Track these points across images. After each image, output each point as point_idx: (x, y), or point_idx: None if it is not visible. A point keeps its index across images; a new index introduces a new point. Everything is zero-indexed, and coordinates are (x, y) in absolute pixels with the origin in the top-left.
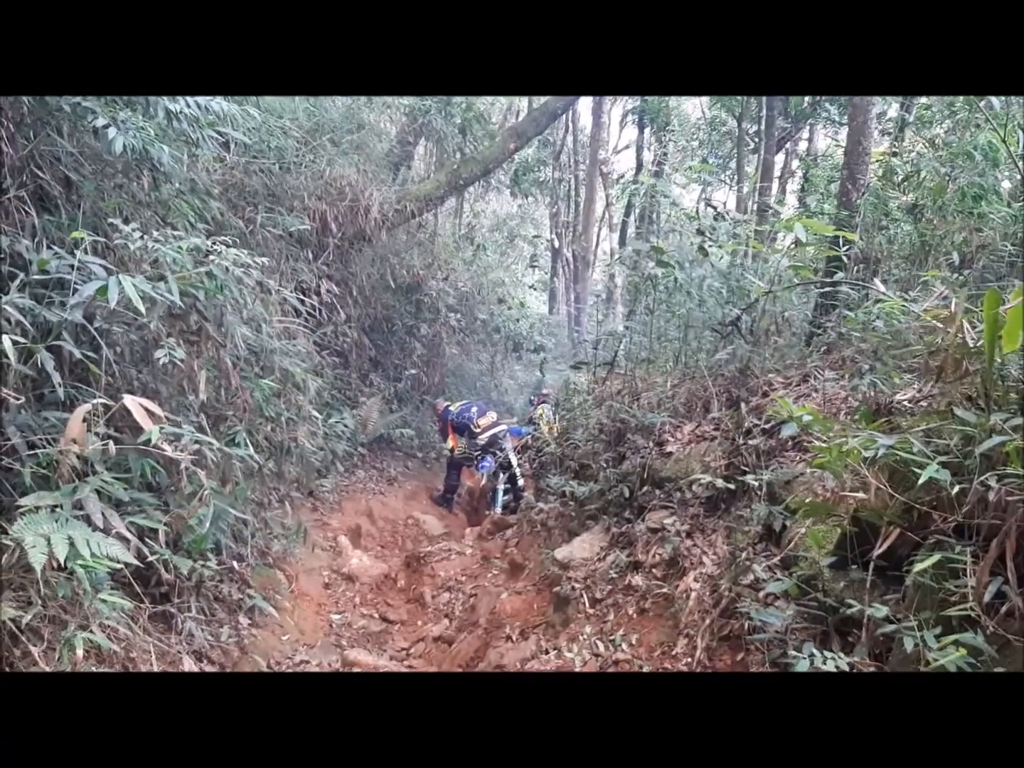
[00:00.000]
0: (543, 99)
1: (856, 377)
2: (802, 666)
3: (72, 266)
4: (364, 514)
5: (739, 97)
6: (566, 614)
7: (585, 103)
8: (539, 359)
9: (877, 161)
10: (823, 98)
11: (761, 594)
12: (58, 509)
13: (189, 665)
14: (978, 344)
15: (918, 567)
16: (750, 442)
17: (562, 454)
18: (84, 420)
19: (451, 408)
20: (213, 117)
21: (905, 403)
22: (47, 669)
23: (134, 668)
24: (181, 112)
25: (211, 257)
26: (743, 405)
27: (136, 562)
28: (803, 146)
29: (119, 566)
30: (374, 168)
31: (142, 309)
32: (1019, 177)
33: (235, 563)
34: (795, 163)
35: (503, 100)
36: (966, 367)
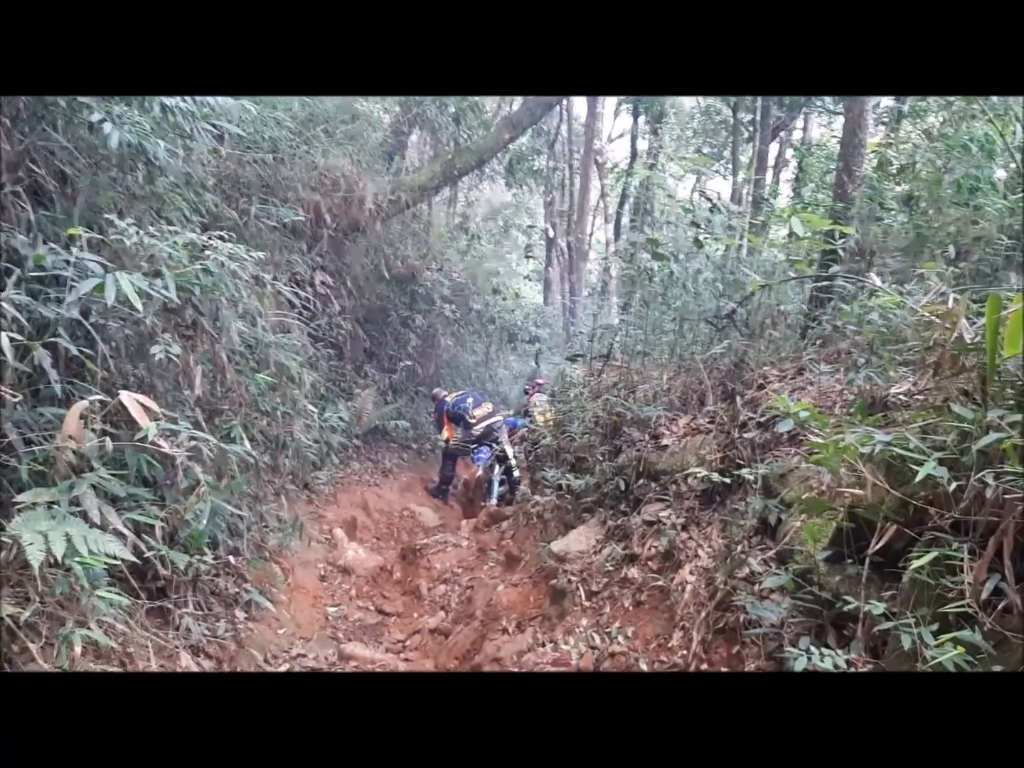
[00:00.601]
0: None
1: (851, 370)
2: (799, 663)
3: (68, 262)
4: (360, 506)
5: None
6: (562, 607)
7: None
8: (534, 350)
9: (873, 152)
10: None
11: (757, 588)
12: (55, 505)
13: (186, 660)
14: (975, 340)
15: (915, 563)
16: (745, 435)
17: (558, 447)
18: (81, 416)
19: (447, 398)
20: (208, 110)
21: (901, 397)
22: (45, 666)
23: (132, 664)
24: (176, 106)
25: (207, 252)
26: (738, 398)
27: (133, 558)
28: (797, 135)
29: (116, 562)
30: (368, 158)
31: (139, 306)
32: (1015, 168)
33: (231, 557)
34: (790, 152)
35: None
36: (963, 363)
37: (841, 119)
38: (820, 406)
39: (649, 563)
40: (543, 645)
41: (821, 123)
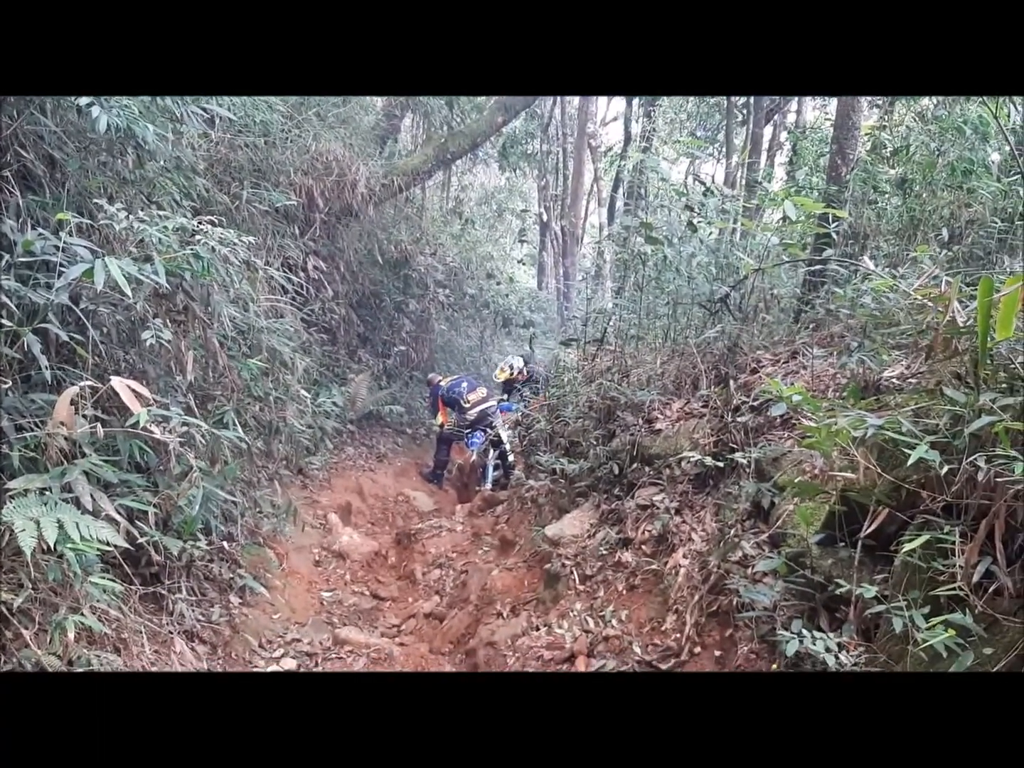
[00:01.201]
0: None
1: (844, 354)
2: (791, 646)
3: (57, 247)
4: (354, 491)
5: None
6: (556, 590)
7: None
8: (528, 334)
9: (867, 135)
10: None
11: (750, 571)
12: (47, 492)
13: (181, 645)
14: (968, 323)
15: (907, 546)
16: (738, 419)
17: (552, 431)
18: (72, 402)
19: (441, 383)
20: None
21: (893, 380)
22: (39, 652)
23: (125, 650)
24: None
25: (197, 237)
26: (732, 382)
27: (126, 544)
28: (792, 118)
29: (109, 548)
30: (360, 142)
31: (128, 291)
32: (1008, 151)
33: (225, 543)
34: (784, 135)
35: None
36: (955, 346)
37: (835, 102)
38: (813, 390)
39: (643, 547)
40: (537, 629)
41: (815, 105)
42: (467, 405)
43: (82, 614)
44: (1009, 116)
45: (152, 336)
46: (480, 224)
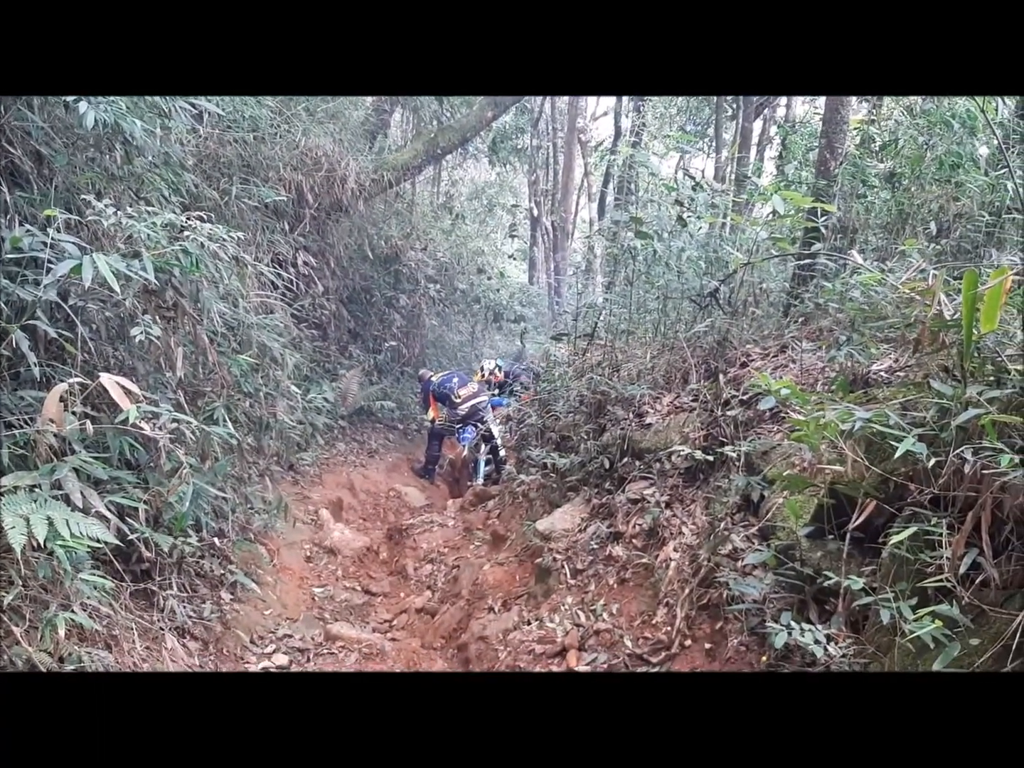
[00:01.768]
0: None
1: (833, 348)
2: (780, 638)
3: (45, 244)
4: (345, 487)
5: None
6: (548, 585)
7: None
8: (519, 329)
9: (855, 129)
10: None
11: (739, 564)
12: (37, 489)
13: (172, 641)
14: (954, 316)
15: (894, 539)
16: (728, 413)
17: (543, 426)
18: (61, 399)
19: (432, 379)
20: None
21: (882, 373)
22: (30, 649)
23: (116, 646)
24: None
25: (186, 233)
26: (721, 376)
27: (116, 541)
28: (781, 112)
29: (99, 545)
30: (350, 137)
31: (116, 288)
32: (996, 144)
33: (216, 539)
34: (773, 129)
35: None
36: (943, 339)
37: (824, 97)
38: (802, 383)
39: (633, 541)
40: (528, 623)
41: (805, 100)
42: (458, 400)
43: (73, 611)
44: (997, 110)
45: (141, 332)
46: (471, 219)
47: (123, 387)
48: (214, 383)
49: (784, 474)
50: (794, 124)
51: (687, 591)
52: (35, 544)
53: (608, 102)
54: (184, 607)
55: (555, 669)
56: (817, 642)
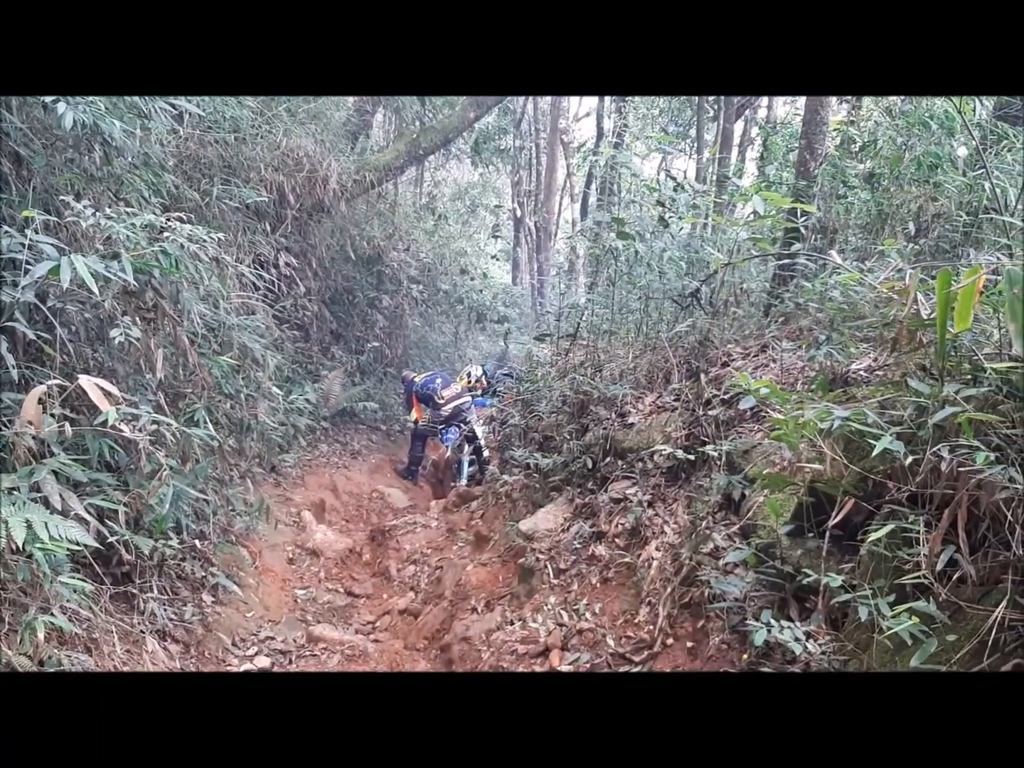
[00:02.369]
0: None
1: (813, 347)
2: (759, 636)
3: (23, 245)
4: (328, 488)
5: None
6: (531, 585)
7: None
8: (503, 329)
9: (835, 130)
10: None
11: (721, 562)
12: (15, 492)
13: (153, 644)
14: (931, 316)
15: (872, 536)
16: (710, 412)
17: (526, 426)
18: (39, 401)
19: (415, 379)
20: None
21: (861, 373)
22: (9, 652)
23: (97, 650)
24: None
25: (166, 234)
26: (703, 376)
27: (96, 544)
28: (762, 113)
29: (79, 548)
30: (332, 138)
31: (95, 289)
32: (974, 145)
33: (197, 541)
34: (754, 131)
35: None
36: (920, 338)
37: (804, 97)
38: (783, 383)
39: (616, 540)
40: (512, 623)
41: (786, 101)
42: (441, 401)
43: (52, 614)
44: (974, 111)
45: (121, 334)
46: (453, 220)
47: (102, 389)
48: (195, 384)
49: (764, 473)
50: (775, 125)
51: (669, 590)
52: (14, 547)
53: (590, 103)
54: (165, 610)
55: (538, 669)
56: (797, 640)
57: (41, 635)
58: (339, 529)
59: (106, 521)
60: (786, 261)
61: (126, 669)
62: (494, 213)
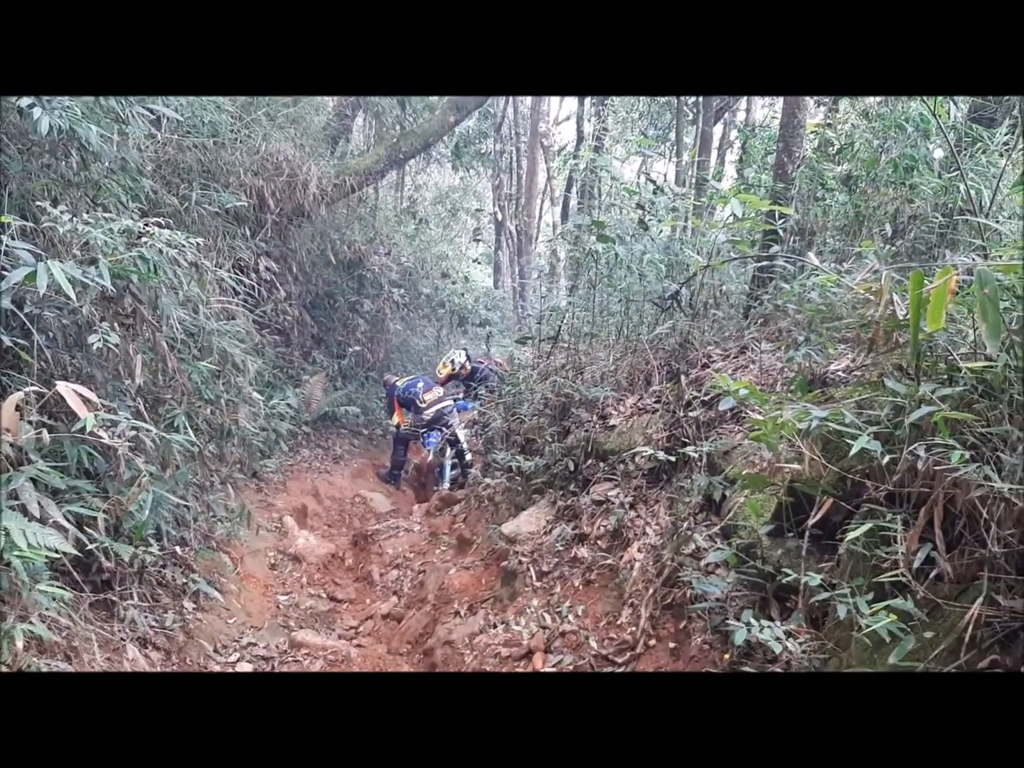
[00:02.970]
0: None
1: (792, 348)
2: (739, 635)
3: None
4: (310, 493)
5: None
6: (513, 588)
7: None
8: (484, 333)
9: (812, 133)
10: None
11: (702, 563)
12: None
13: (133, 652)
14: (907, 316)
15: (851, 535)
16: (690, 414)
17: (508, 429)
18: (16, 408)
19: (397, 383)
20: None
21: (839, 373)
22: None
23: (76, 658)
24: None
25: (144, 239)
26: (683, 378)
27: (75, 551)
28: (741, 116)
29: (58, 555)
30: (311, 142)
31: (72, 295)
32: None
33: (178, 548)
34: (733, 134)
35: None
36: (896, 339)
37: (782, 100)
38: (762, 384)
39: (598, 542)
40: (495, 627)
41: (764, 104)
42: (423, 405)
43: (31, 623)
44: (949, 114)
45: (99, 340)
46: (435, 223)
47: (80, 395)
48: (174, 390)
49: (744, 473)
50: (753, 128)
51: (651, 591)
52: None
53: (570, 107)
54: (146, 617)
55: (521, 672)
56: (777, 639)
57: (20, 644)
58: (321, 534)
59: (85, 528)
60: (765, 263)
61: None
62: (475, 217)
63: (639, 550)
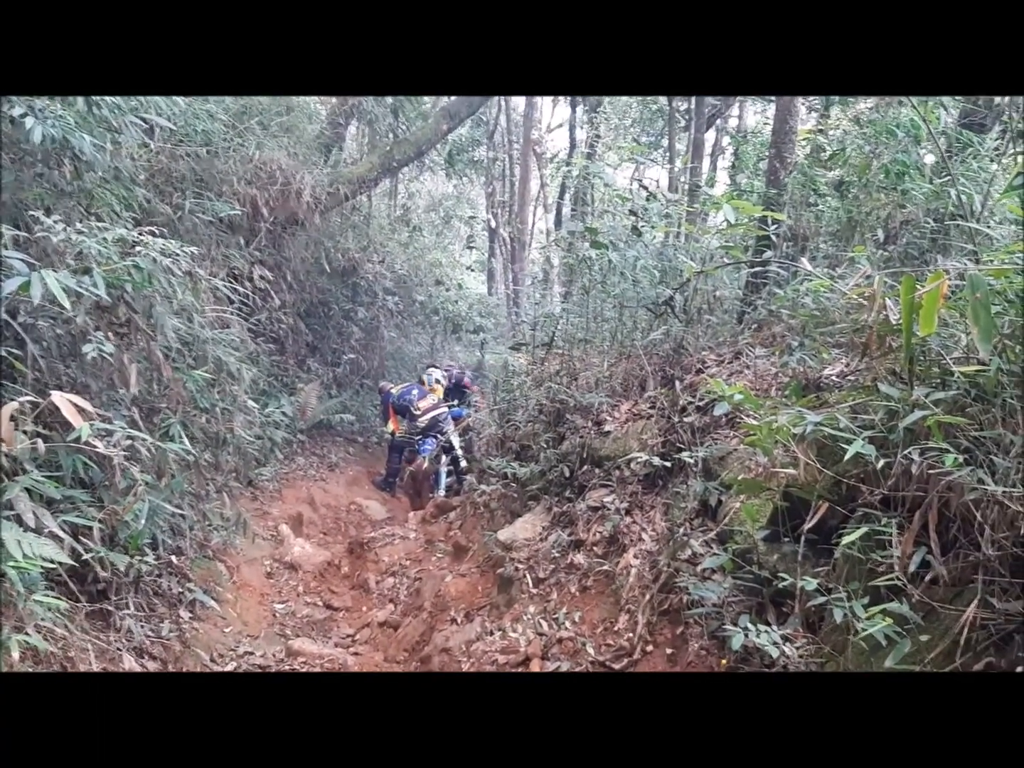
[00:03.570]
0: None
1: (786, 353)
2: (736, 640)
3: None
4: (305, 501)
5: None
6: (510, 594)
7: None
8: (478, 340)
9: (804, 139)
10: None
11: (699, 569)
12: None
13: (130, 662)
14: (899, 321)
15: (846, 539)
16: (685, 420)
17: (503, 435)
18: (11, 418)
19: (392, 391)
20: (136, 103)
21: (833, 378)
22: None
23: (73, 668)
24: (102, 99)
25: (138, 248)
26: (678, 383)
27: (71, 561)
28: (733, 123)
29: (53, 566)
30: (305, 151)
31: (67, 304)
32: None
33: (174, 557)
34: (726, 140)
35: None
36: (889, 343)
37: (774, 107)
38: (756, 389)
39: (594, 548)
40: (491, 633)
41: (756, 111)
42: (418, 412)
43: (27, 633)
44: (939, 119)
45: (94, 349)
46: (428, 231)
47: (75, 405)
48: (169, 399)
49: (740, 478)
50: (745, 135)
51: (648, 597)
52: None
53: (563, 114)
54: (142, 626)
55: (519, 672)
56: (774, 643)
57: (16, 654)
58: (317, 542)
59: (81, 538)
60: (758, 269)
61: None
62: (468, 224)
63: (635, 556)
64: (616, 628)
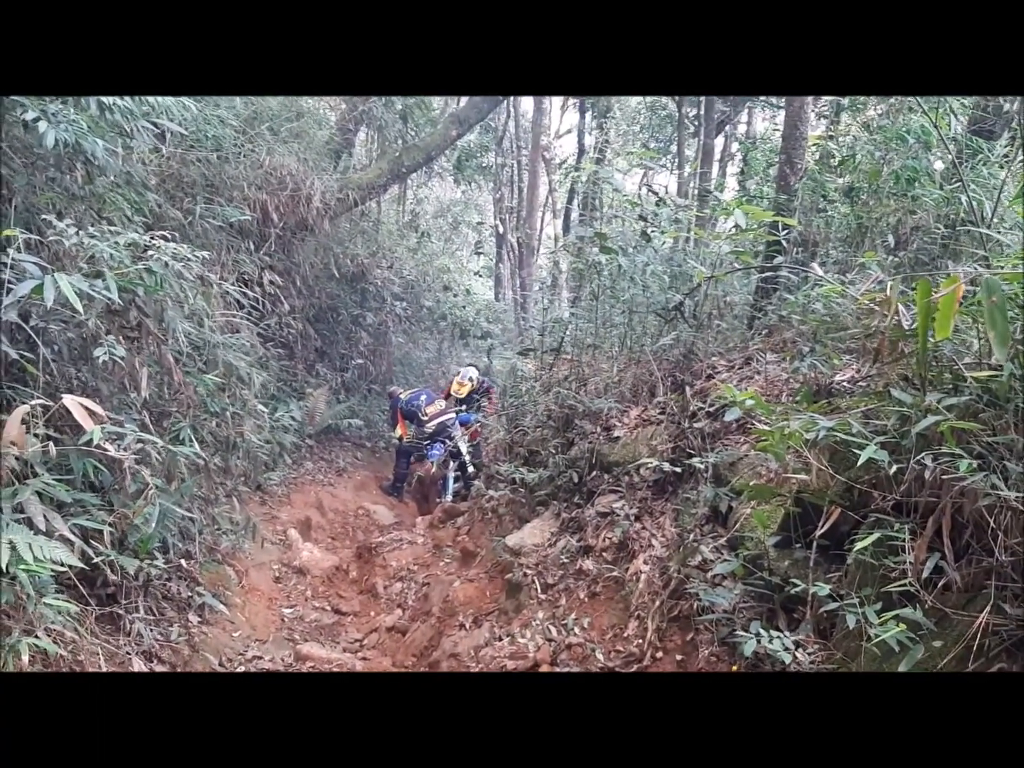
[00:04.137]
0: None
1: (797, 359)
2: (749, 646)
3: (5, 264)
4: (314, 506)
5: None
6: (518, 600)
7: None
8: (486, 345)
9: (814, 145)
10: None
11: (709, 575)
12: None
13: (139, 665)
14: (912, 326)
15: (859, 545)
16: (695, 425)
17: (511, 441)
18: (22, 421)
19: (400, 396)
20: (147, 108)
21: (844, 384)
22: None
23: (82, 671)
24: (114, 103)
25: (150, 252)
26: (688, 389)
27: (81, 564)
28: (742, 129)
29: (63, 569)
30: (315, 156)
31: (79, 308)
32: (950, 159)
33: (183, 561)
34: (735, 146)
35: None
36: (902, 349)
37: (783, 113)
38: (767, 395)
39: (603, 554)
40: (500, 639)
41: (765, 117)
42: (426, 418)
43: (36, 636)
44: (950, 125)
45: (105, 353)
46: (436, 237)
47: (86, 408)
48: (180, 403)
49: (751, 484)
50: (755, 140)
51: (658, 603)
52: None
53: (571, 120)
54: (151, 630)
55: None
56: (786, 649)
57: (25, 658)
58: (325, 547)
59: (91, 541)
60: (768, 274)
61: None
62: (476, 230)
63: (645, 562)
64: (626, 634)
